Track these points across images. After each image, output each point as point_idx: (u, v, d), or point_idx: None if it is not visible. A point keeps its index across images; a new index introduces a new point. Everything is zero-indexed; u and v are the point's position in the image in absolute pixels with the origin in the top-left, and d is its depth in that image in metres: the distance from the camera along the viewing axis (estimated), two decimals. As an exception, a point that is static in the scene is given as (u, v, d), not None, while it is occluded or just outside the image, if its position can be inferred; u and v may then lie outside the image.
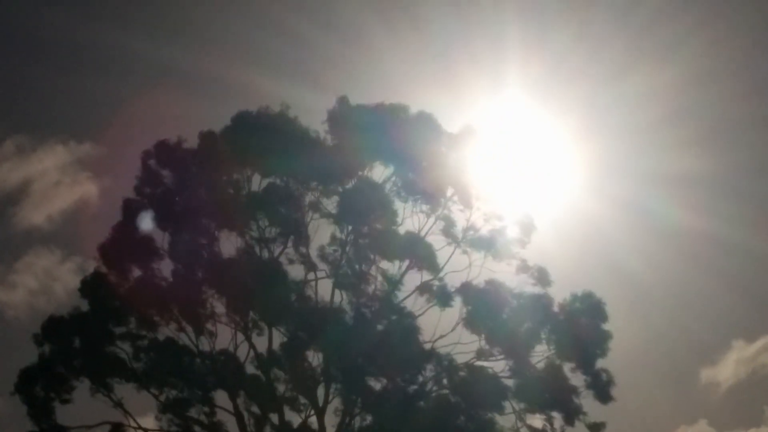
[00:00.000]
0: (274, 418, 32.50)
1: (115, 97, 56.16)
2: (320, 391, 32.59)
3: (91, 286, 33.46)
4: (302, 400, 33.00)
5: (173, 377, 32.71)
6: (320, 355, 32.60)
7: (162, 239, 33.48)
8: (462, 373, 31.76)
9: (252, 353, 32.83)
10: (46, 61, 59.39)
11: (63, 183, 56.42)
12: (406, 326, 32.14)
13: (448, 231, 33.21)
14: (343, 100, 33.94)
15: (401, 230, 33.24)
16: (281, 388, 32.87)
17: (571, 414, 31.60)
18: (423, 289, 32.56)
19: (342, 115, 33.66)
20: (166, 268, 33.56)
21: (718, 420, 64.19)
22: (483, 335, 32.06)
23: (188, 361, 32.86)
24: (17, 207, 56.04)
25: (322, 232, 33.52)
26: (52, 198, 55.62)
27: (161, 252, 33.41)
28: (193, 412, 32.67)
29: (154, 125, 49.91)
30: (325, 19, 57.42)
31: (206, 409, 32.74)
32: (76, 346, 32.99)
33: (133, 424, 32.67)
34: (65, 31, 52.69)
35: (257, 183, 33.70)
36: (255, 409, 32.86)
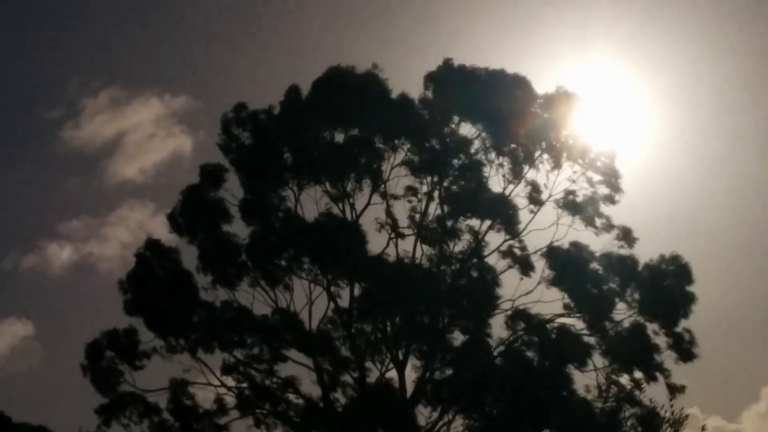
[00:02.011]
0: (354, 373, 32.61)
1: (212, 52, 56.46)
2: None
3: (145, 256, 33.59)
4: (383, 354, 32.88)
5: (247, 334, 32.82)
6: (401, 311, 32.59)
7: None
8: (542, 330, 31.77)
9: (332, 307, 32.90)
10: (142, 14, 59.93)
11: (157, 136, 56.97)
12: (487, 283, 32.24)
13: (534, 191, 33.14)
14: (447, 63, 33.87)
15: (488, 188, 33.30)
16: (362, 342, 32.85)
17: (653, 371, 31.46)
18: (505, 253, 32.67)
19: (442, 77, 33.65)
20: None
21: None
22: (567, 293, 32.07)
23: (262, 319, 32.93)
24: (110, 160, 56.94)
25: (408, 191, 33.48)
26: (145, 151, 56.22)
27: (231, 214, 33.55)
28: (262, 368, 32.78)
29: (249, 81, 50.06)
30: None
31: (276, 366, 32.83)
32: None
33: (213, 380, 32.91)
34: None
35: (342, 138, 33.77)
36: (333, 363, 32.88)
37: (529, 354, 31.78)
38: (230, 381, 32.94)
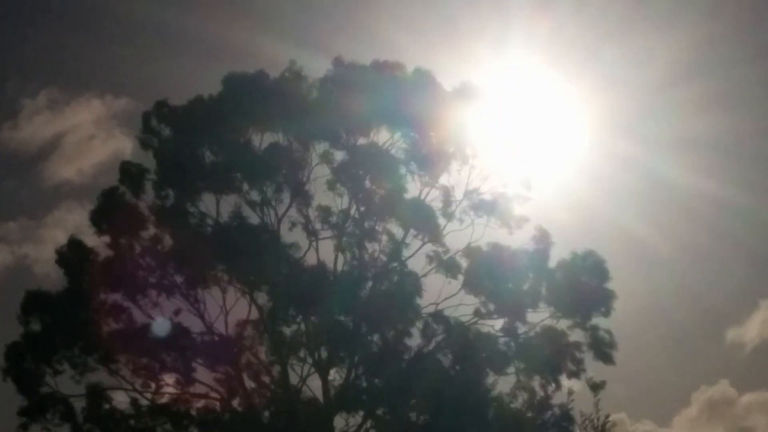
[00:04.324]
0: (277, 376, 32.48)
1: (156, 54, 55.71)
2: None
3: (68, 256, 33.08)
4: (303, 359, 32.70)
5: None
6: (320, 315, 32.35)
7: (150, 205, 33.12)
8: (461, 334, 31.65)
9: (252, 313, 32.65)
10: (85, 15, 58.85)
11: (97, 137, 56.28)
12: (407, 287, 32.13)
13: (449, 193, 33.06)
14: (338, 61, 33.56)
15: (404, 193, 33.09)
16: (282, 346, 32.54)
17: (573, 372, 31.50)
18: (431, 258, 32.50)
19: (339, 76, 33.21)
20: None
21: (741, 380, 63.95)
22: (483, 295, 32.04)
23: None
24: (48, 161, 55.96)
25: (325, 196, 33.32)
26: (84, 152, 55.58)
27: (149, 217, 32.96)
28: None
29: (193, 84, 49.30)
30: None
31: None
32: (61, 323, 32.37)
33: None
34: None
35: (258, 145, 33.31)
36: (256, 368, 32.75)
37: (446, 359, 31.72)
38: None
